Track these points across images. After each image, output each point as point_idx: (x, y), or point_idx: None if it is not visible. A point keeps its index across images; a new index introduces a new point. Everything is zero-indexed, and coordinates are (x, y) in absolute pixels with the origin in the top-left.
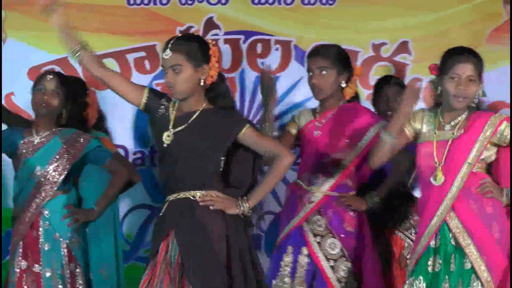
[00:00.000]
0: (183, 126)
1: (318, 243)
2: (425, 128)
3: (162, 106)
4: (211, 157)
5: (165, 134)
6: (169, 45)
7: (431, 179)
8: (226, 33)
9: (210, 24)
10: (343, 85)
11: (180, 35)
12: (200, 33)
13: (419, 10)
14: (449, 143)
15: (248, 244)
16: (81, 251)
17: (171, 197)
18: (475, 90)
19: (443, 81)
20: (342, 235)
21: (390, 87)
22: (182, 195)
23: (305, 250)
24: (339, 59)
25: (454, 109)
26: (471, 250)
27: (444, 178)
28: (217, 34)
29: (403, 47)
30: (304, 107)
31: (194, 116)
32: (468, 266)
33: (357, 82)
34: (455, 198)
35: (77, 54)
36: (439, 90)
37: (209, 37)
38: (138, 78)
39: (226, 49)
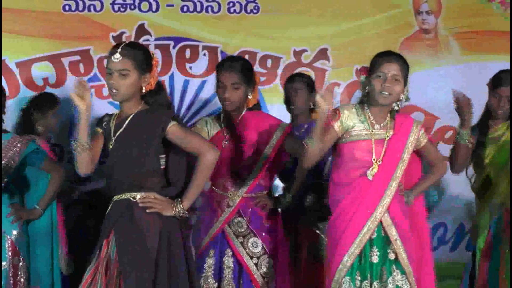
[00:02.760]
0: (120, 130)
1: (241, 243)
2: (358, 126)
3: (105, 122)
4: (146, 156)
5: (110, 143)
6: (119, 50)
7: (368, 173)
8: (156, 39)
9: (142, 30)
10: (250, 96)
11: (128, 42)
12: (132, 39)
13: (338, 19)
14: (385, 142)
15: (182, 242)
16: (26, 246)
17: (116, 197)
18: (400, 89)
19: (371, 80)
20: (263, 234)
21: (292, 84)
22: (124, 196)
23: (229, 252)
24: (248, 73)
25: (380, 106)
26: (398, 244)
27: (380, 175)
28: (148, 40)
29: (322, 53)
30: (210, 115)
31: (129, 119)
32: (392, 256)
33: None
34: (393, 193)
35: (79, 148)
36: (367, 89)
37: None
38: (73, 80)
39: (156, 54)
